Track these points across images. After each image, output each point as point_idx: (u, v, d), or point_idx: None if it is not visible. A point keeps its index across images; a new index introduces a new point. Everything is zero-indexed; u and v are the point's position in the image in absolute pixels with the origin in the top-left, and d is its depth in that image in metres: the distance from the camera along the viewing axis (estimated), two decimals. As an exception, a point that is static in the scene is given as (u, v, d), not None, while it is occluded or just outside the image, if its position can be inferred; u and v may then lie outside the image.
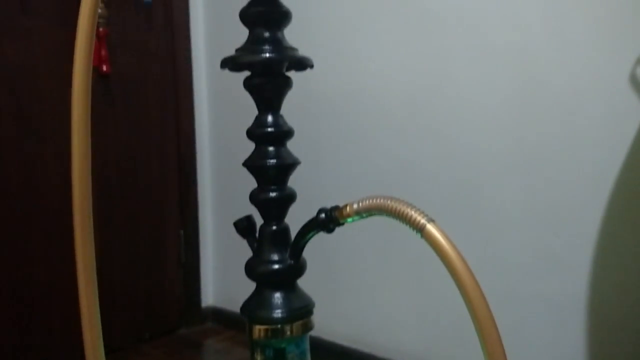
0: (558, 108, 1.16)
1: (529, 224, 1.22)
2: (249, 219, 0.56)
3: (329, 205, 0.50)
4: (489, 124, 1.26)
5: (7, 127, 1.42)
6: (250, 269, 0.54)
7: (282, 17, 0.53)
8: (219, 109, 1.84)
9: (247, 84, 0.54)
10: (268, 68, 0.52)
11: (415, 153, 1.37)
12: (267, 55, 0.50)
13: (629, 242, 1.11)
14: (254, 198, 0.55)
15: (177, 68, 1.81)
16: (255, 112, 0.54)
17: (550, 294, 1.20)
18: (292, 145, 0.55)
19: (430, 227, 0.42)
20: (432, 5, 1.32)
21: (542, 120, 1.18)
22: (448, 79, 1.31)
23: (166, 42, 1.78)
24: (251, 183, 0.55)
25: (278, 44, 0.52)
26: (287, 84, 0.54)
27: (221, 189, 1.85)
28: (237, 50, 0.53)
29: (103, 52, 1.51)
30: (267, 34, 0.51)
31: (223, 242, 1.89)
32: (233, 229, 0.55)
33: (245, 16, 0.52)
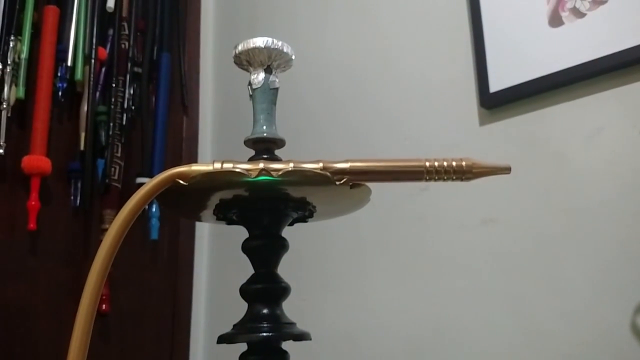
0: (564, 358, 1.13)
1: None
2: None
3: None
4: (495, 372, 1.21)
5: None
6: None
7: (282, 292, 0.54)
8: (214, 342, 1.80)
9: (243, 361, 0.53)
10: (265, 345, 0.52)
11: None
12: (265, 334, 0.51)
13: None
14: None
15: (176, 302, 1.80)
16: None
17: None
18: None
19: None
20: (424, 248, 1.36)
21: (550, 370, 1.15)
22: (449, 322, 1.29)
23: (169, 278, 1.80)
24: None
25: (276, 321, 0.52)
26: None
27: None
28: (234, 326, 0.53)
29: (104, 292, 1.52)
30: (265, 311, 0.52)
31: None
32: None
33: (245, 293, 0.54)
